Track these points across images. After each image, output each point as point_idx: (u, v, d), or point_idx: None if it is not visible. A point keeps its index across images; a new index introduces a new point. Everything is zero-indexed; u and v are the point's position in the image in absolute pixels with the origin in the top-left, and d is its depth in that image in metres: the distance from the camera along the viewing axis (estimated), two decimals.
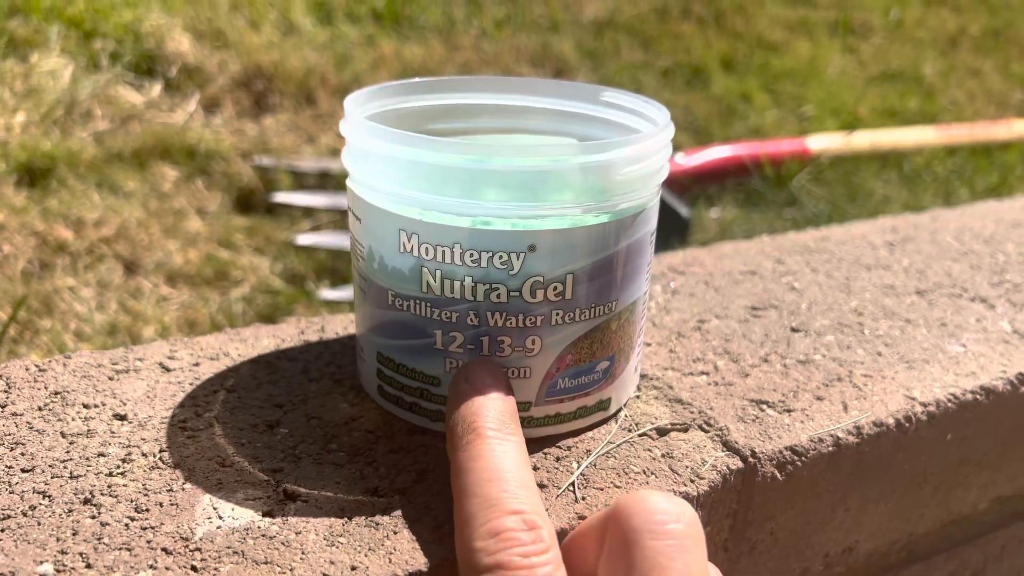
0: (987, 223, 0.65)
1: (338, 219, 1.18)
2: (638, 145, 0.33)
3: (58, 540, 0.29)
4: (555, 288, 0.33)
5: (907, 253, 0.59)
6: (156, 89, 1.39)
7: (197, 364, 0.40)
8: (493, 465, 0.28)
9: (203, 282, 0.98)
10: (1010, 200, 0.72)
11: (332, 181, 1.25)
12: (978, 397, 0.42)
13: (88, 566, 0.28)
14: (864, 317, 0.49)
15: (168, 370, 0.40)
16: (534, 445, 0.35)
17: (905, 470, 0.42)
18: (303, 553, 0.29)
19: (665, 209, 1.22)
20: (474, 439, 0.29)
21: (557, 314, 0.33)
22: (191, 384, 0.39)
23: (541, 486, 0.33)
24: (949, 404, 0.41)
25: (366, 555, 0.29)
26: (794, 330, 0.47)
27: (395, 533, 0.31)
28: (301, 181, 1.25)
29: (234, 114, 1.37)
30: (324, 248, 1.10)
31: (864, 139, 1.54)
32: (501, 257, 0.32)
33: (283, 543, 0.30)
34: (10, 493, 0.31)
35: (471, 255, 0.32)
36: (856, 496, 0.41)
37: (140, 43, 1.45)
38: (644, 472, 0.35)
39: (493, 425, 0.30)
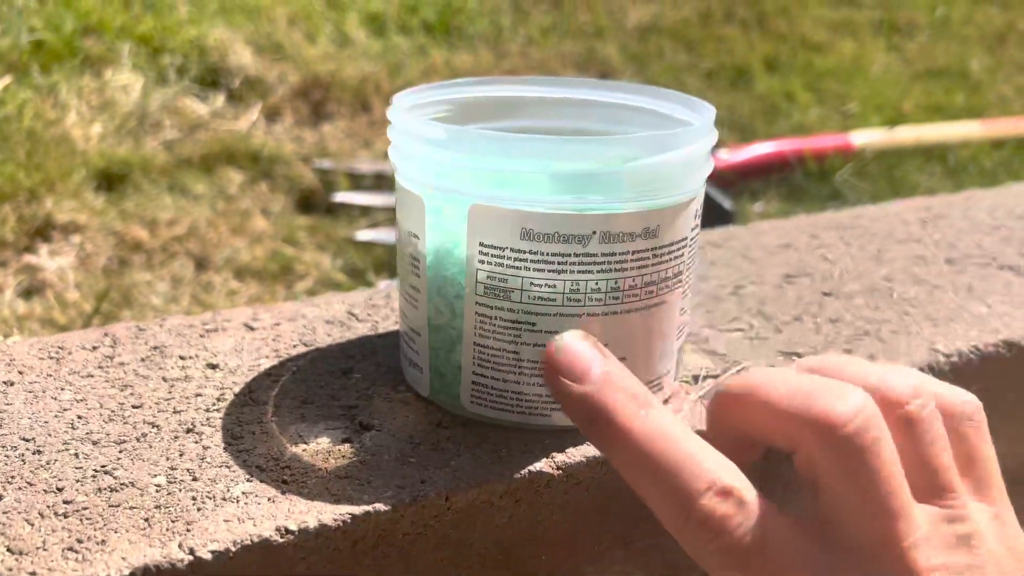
0: (1022, 200, 0.67)
1: (394, 216, 1.23)
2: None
3: (167, 459, 0.34)
4: None
5: (939, 228, 0.61)
6: (220, 100, 1.47)
7: (277, 324, 0.45)
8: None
9: (269, 277, 1.04)
10: None
11: (388, 181, 1.31)
12: (1001, 351, 0.45)
13: (195, 479, 0.33)
14: (893, 283, 0.52)
15: (252, 329, 0.44)
16: None
17: None
18: (378, 470, 0.33)
19: (709, 202, 1.24)
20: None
21: None
22: (273, 340, 0.43)
23: None
24: (971, 356, 0.44)
25: (433, 472, 0.34)
26: (825, 294, 0.50)
27: (458, 456, 0.35)
28: (359, 182, 1.31)
29: (294, 122, 1.44)
30: (382, 244, 1.16)
31: (908, 133, 1.55)
32: None
33: (360, 462, 0.34)
34: (124, 424, 0.36)
35: None
36: None
37: (205, 57, 1.53)
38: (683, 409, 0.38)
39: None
